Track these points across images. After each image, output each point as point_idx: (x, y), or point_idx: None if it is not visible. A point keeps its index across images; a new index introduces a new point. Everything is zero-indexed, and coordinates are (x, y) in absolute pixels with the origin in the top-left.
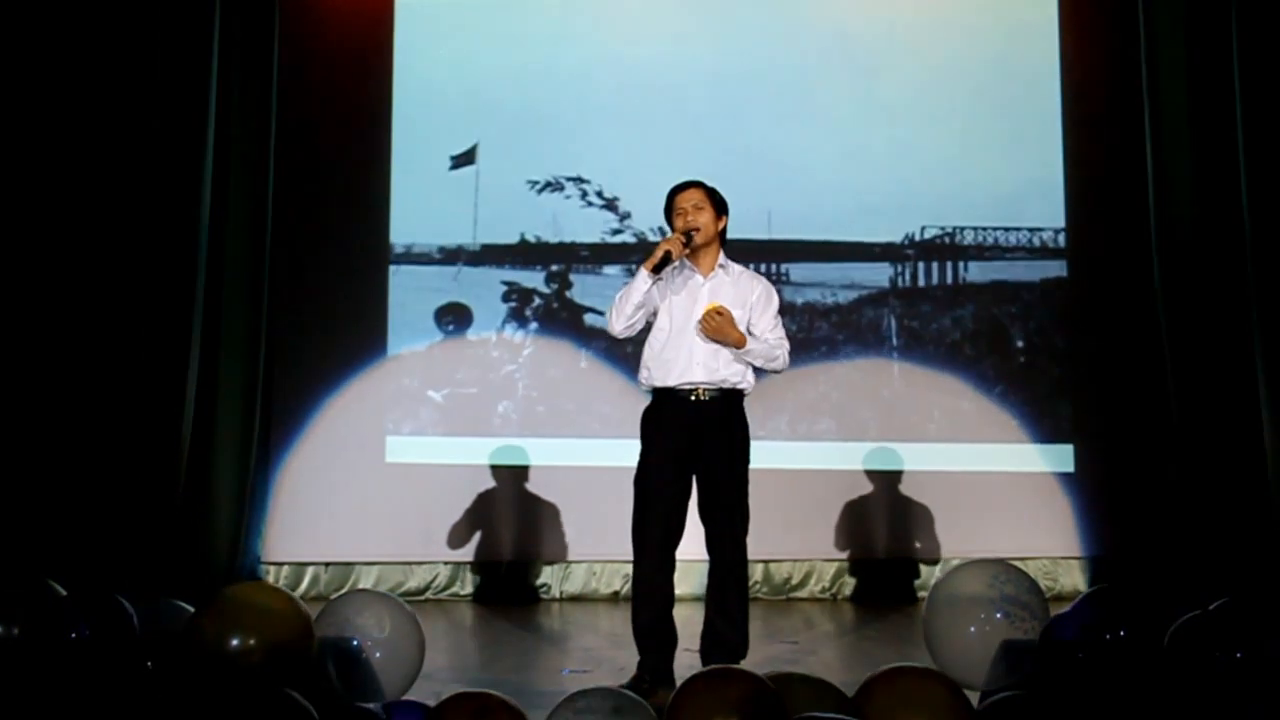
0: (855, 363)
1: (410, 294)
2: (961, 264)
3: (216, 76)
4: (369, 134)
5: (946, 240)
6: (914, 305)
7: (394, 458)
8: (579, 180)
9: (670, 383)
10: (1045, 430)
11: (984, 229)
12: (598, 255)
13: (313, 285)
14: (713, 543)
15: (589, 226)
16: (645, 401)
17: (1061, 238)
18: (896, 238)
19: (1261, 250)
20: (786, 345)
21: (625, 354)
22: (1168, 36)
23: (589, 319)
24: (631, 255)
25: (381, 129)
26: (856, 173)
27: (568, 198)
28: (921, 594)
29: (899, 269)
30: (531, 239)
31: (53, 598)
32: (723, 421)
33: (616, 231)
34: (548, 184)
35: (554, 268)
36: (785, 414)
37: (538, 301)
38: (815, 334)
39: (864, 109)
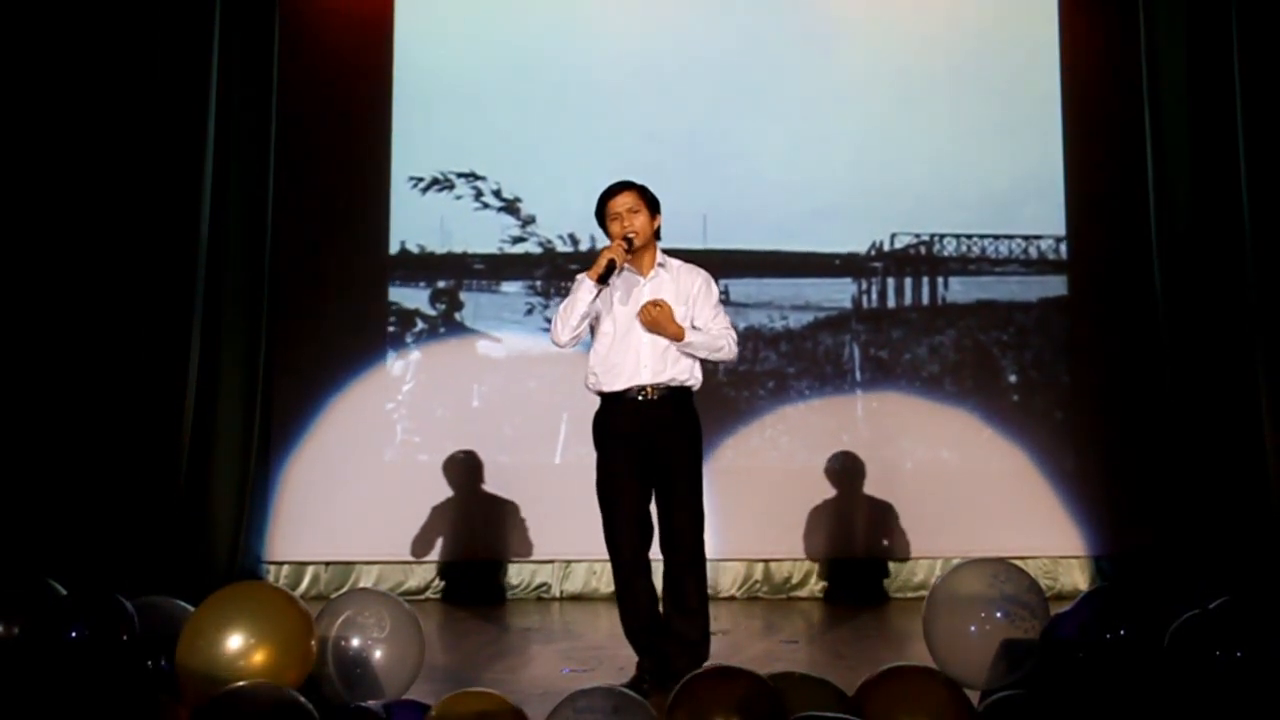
0: (810, 401)
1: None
2: (941, 279)
3: (216, 76)
4: (369, 134)
5: (923, 250)
6: (882, 330)
7: (394, 458)
8: (472, 177)
9: (618, 387)
10: (1044, 479)
11: (969, 237)
12: (495, 268)
13: (314, 285)
14: (668, 540)
15: (484, 233)
16: (552, 446)
17: (1064, 248)
18: (861, 247)
19: (1262, 252)
20: (732, 335)
21: (525, 391)
22: (1168, 34)
23: (483, 346)
24: (536, 269)
25: (382, 129)
26: (812, 168)
27: (458, 198)
28: (921, 593)
29: (864, 285)
30: (414, 248)
31: (53, 598)
32: (673, 420)
33: (518, 240)
34: (434, 181)
35: (441, 284)
36: (723, 463)
37: (421, 325)
38: (761, 366)
39: (821, 90)
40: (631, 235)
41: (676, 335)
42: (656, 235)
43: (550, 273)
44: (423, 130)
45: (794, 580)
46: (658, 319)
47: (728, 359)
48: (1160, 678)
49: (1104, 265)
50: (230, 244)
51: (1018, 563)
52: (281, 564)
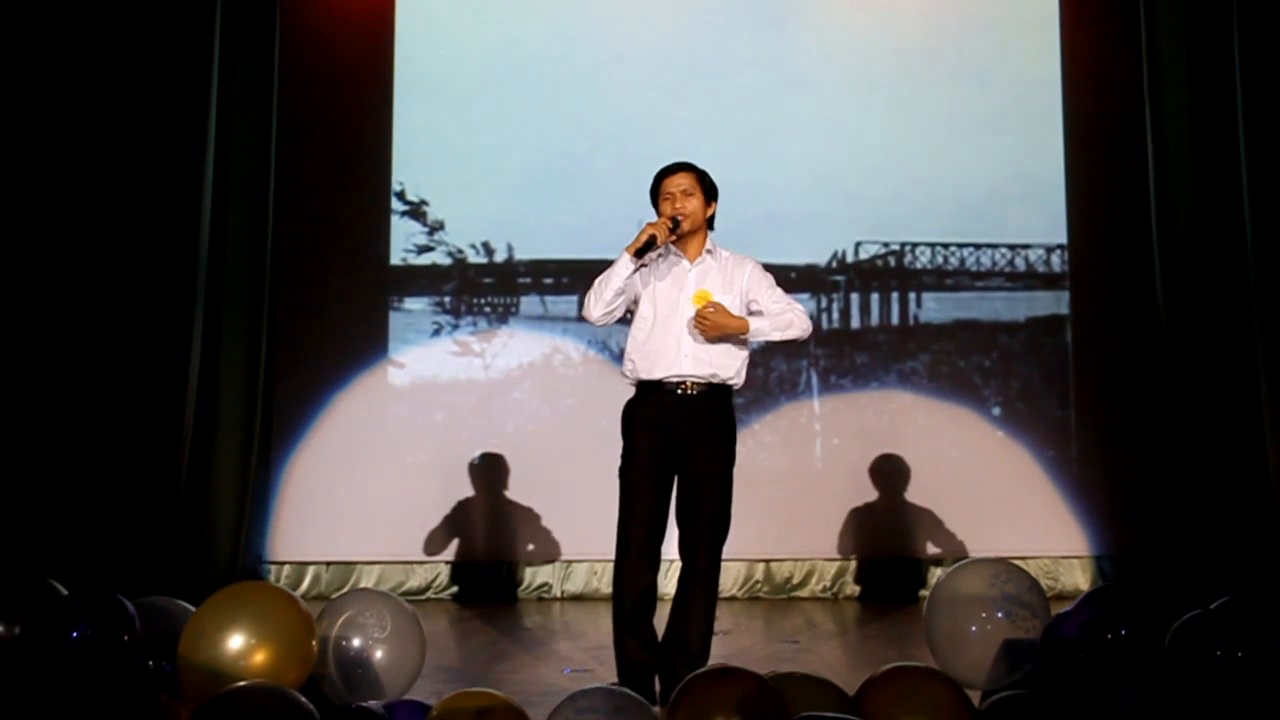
0: (758, 435)
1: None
2: (913, 295)
3: (217, 76)
4: (370, 133)
5: (892, 261)
6: (845, 354)
7: (396, 457)
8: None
9: (656, 375)
10: (1045, 479)
11: (945, 246)
12: (399, 282)
13: (315, 285)
14: (685, 548)
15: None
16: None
17: (1055, 258)
18: (820, 258)
19: (1263, 254)
20: (798, 308)
21: (434, 423)
22: (1169, 33)
23: (392, 374)
24: (445, 282)
25: (383, 128)
26: (764, 166)
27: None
28: (922, 593)
29: (824, 302)
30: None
31: (53, 597)
32: (709, 419)
33: (424, 249)
34: None
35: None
36: None
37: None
38: None
39: (775, 76)
40: (680, 217)
41: (741, 328)
42: (710, 224)
43: (461, 287)
44: (424, 131)
45: (795, 580)
46: (717, 322)
47: (801, 334)
48: (1161, 678)
49: (1104, 265)
50: (231, 243)
51: (1019, 563)
52: (282, 564)
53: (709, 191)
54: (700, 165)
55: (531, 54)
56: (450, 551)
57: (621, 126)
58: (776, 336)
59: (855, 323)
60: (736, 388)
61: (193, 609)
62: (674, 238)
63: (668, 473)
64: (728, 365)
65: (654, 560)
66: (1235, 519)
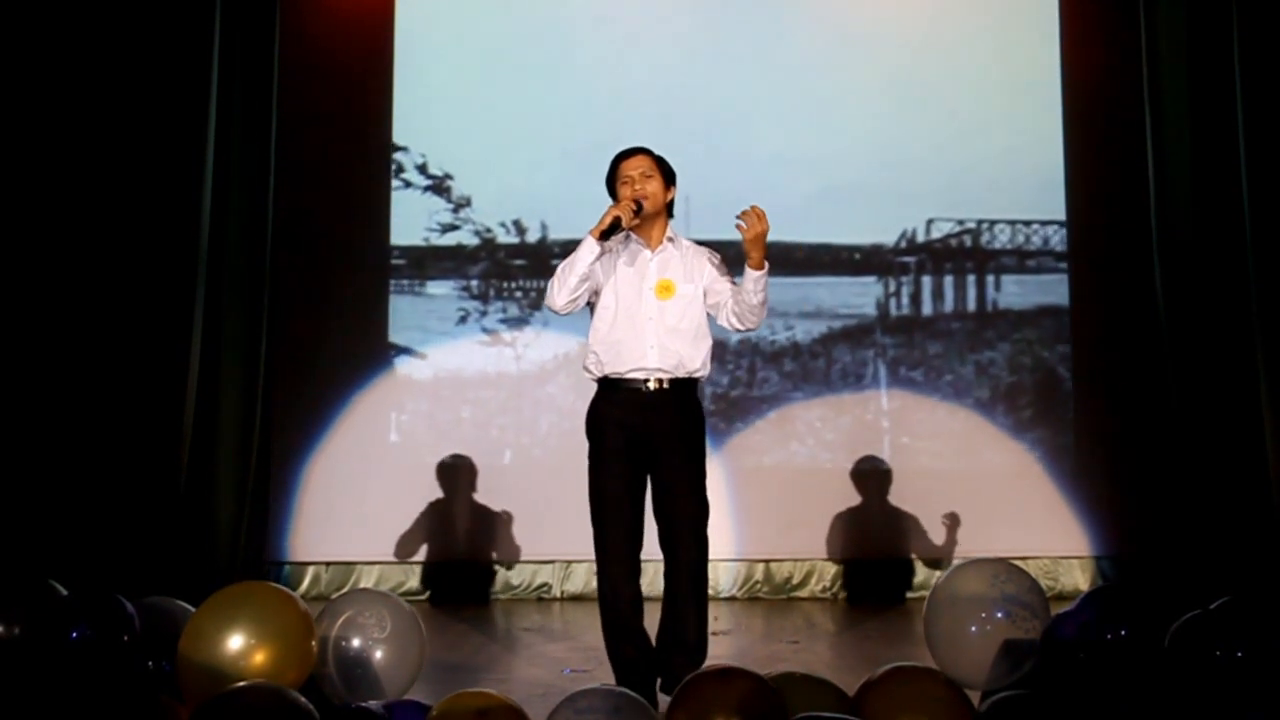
0: (812, 399)
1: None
2: (990, 278)
3: (217, 76)
4: (370, 133)
5: (967, 241)
6: (916, 344)
7: (396, 458)
8: (391, 148)
9: (622, 369)
10: (1045, 479)
11: (1027, 224)
12: (417, 263)
13: (316, 285)
14: (667, 541)
15: (408, 220)
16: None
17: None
18: (888, 238)
19: (1263, 252)
20: None
21: (456, 419)
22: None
23: (403, 364)
24: (472, 264)
25: (383, 128)
26: (824, 137)
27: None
28: (922, 594)
29: (892, 287)
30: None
31: (53, 598)
32: (675, 413)
33: (449, 228)
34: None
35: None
36: (725, 462)
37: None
38: (759, 391)
39: (835, 39)
40: (642, 200)
41: (762, 260)
42: (669, 211)
43: (489, 269)
44: (448, 100)
45: (795, 580)
46: (764, 228)
47: (756, 323)
48: (1161, 678)
49: (1104, 265)
50: (231, 243)
51: (1018, 563)
52: (282, 564)
53: (667, 175)
54: (749, 133)
55: (567, 13)
56: (450, 552)
57: (664, 92)
58: (759, 298)
59: (927, 309)
60: (703, 380)
61: (193, 609)
62: (637, 221)
63: (640, 474)
64: (694, 356)
65: (636, 565)
66: (1235, 519)
